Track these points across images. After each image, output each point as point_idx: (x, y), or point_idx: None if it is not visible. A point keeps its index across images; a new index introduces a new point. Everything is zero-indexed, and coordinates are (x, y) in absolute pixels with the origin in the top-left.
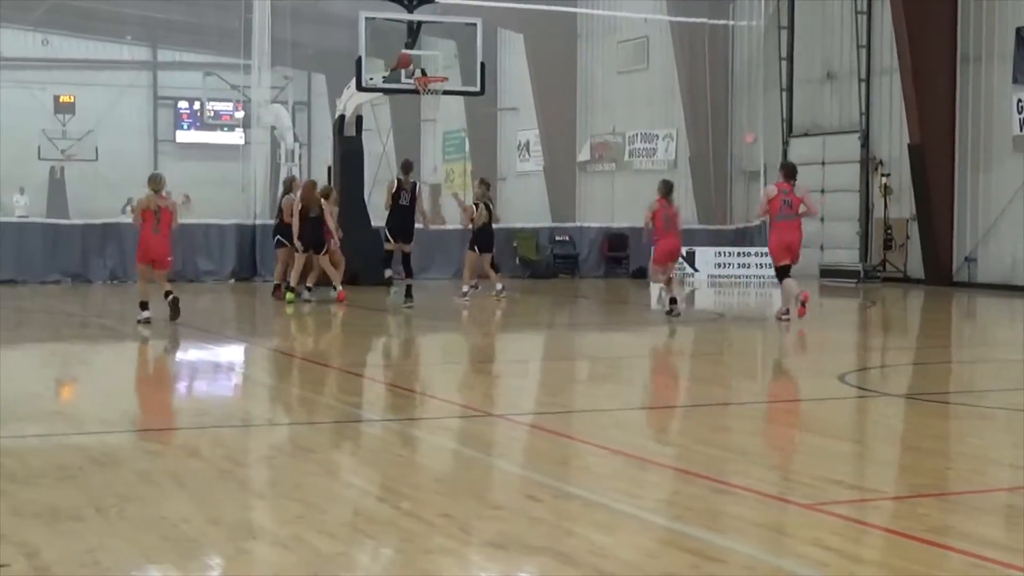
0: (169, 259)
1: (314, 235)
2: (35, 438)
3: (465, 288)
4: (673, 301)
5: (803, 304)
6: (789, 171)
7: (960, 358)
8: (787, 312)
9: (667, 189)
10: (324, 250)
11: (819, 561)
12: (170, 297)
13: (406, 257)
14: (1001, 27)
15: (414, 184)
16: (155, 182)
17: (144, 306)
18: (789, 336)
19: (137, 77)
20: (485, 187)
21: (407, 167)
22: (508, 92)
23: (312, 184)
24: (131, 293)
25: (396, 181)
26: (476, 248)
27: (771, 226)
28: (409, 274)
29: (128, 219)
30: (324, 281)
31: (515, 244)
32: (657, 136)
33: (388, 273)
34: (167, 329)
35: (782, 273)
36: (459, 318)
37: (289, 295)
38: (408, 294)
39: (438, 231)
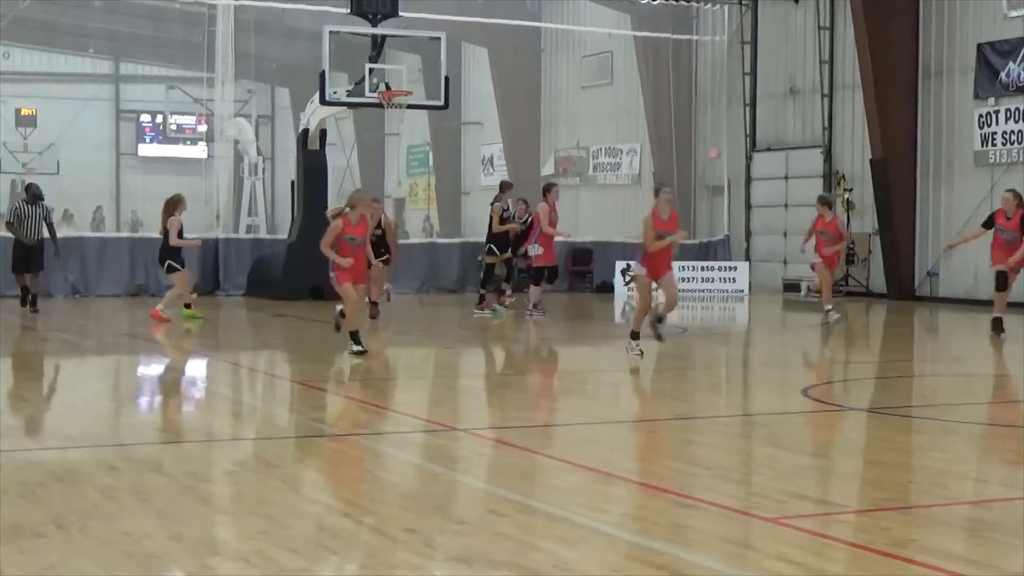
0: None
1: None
2: None
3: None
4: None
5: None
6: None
7: (922, 372)
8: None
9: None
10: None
11: (783, 575)
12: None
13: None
14: (962, 43)
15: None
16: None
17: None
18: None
19: (99, 90)
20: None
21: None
22: (472, 106)
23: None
24: (92, 307)
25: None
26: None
27: None
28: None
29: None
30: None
31: (480, 258)
32: (621, 151)
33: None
34: (129, 344)
35: None
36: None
37: (186, 311)
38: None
39: (404, 245)
